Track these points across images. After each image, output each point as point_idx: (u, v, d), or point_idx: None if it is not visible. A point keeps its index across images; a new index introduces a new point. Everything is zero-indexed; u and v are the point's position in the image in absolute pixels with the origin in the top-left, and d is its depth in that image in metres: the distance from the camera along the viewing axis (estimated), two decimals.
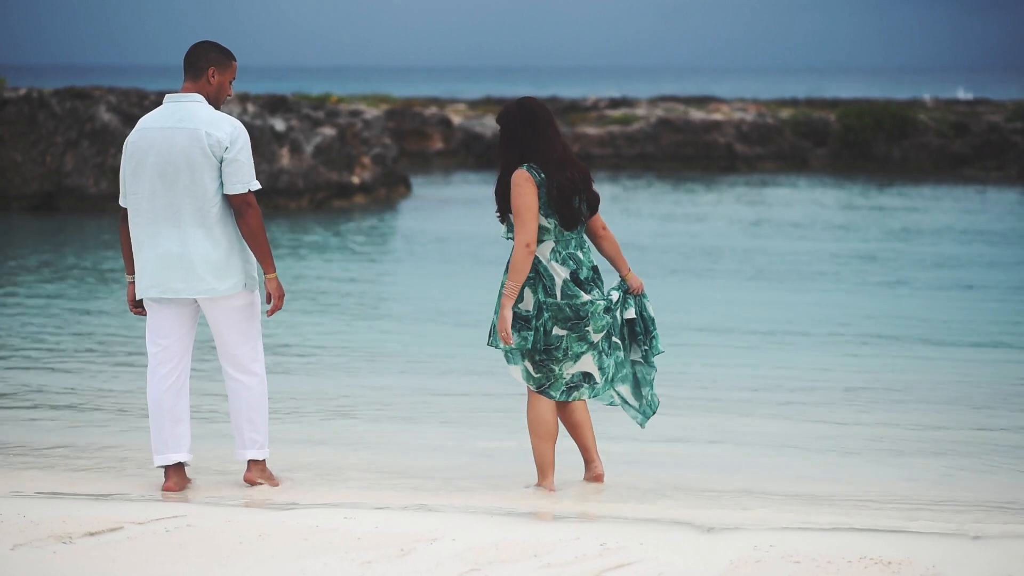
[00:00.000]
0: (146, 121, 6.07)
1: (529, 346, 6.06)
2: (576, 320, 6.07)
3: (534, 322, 6.06)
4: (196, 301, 6.12)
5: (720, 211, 21.75)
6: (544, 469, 6.25)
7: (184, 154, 5.94)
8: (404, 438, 7.52)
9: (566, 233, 6.09)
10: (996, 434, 7.81)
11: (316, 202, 22.04)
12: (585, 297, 6.08)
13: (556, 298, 6.05)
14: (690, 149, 30.64)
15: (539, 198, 6.00)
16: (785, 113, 31.46)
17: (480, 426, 7.85)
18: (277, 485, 6.29)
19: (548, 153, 6.06)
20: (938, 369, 9.94)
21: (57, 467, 6.70)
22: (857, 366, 9.99)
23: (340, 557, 4.92)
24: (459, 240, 18.41)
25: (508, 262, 6.07)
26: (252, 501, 5.98)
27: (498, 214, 6.17)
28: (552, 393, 6.18)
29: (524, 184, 5.99)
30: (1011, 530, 5.67)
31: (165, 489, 6.17)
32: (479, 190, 25.73)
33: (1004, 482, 6.69)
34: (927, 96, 38.01)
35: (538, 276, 6.06)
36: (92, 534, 5.17)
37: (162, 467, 6.19)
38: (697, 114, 31.43)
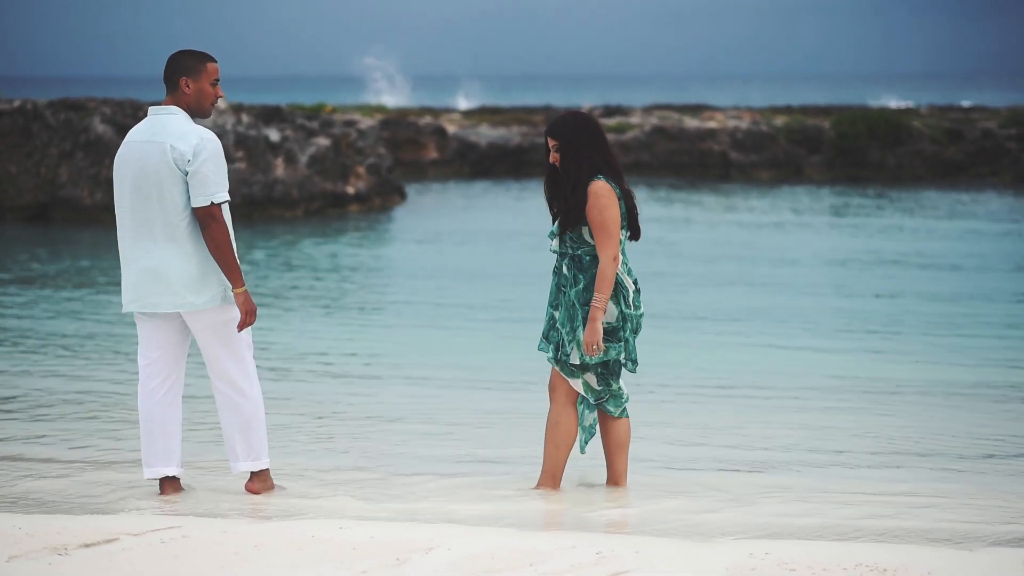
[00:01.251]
0: (130, 135, 6.14)
1: (618, 357, 6.08)
2: (635, 332, 6.15)
3: (620, 333, 6.07)
4: (181, 314, 6.11)
5: (708, 234, 21.35)
6: (556, 475, 6.29)
7: (155, 168, 5.96)
8: (399, 448, 7.52)
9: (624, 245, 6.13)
10: (991, 443, 7.82)
11: (311, 212, 22.05)
12: (642, 309, 6.15)
13: (631, 309, 6.08)
14: (685, 157, 30.65)
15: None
16: (779, 121, 31.48)
17: (476, 436, 7.85)
18: (272, 489, 6.29)
19: (614, 164, 6.08)
20: (935, 375, 9.95)
21: (52, 478, 6.68)
22: (853, 375, 10.00)
23: (335, 567, 4.92)
24: (455, 245, 18.42)
25: (559, 274, 6.08)
26: (248, 512, 5.97)
27: (560, 229, 6.07)
28: (610, 408, 6.24)
29: (610, 197, 5.98)
30: (1006, 539, 5.68)
31: (160, 495, 6.17)
32: (473, 200, 25.73)
33: (999, 490, 6.69)
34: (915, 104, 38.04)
35: (617, 287, 6.07)
36: (88, 545, 5.16)
37: (152, 479, 6.21)
38: (691, 122, 31.44)
